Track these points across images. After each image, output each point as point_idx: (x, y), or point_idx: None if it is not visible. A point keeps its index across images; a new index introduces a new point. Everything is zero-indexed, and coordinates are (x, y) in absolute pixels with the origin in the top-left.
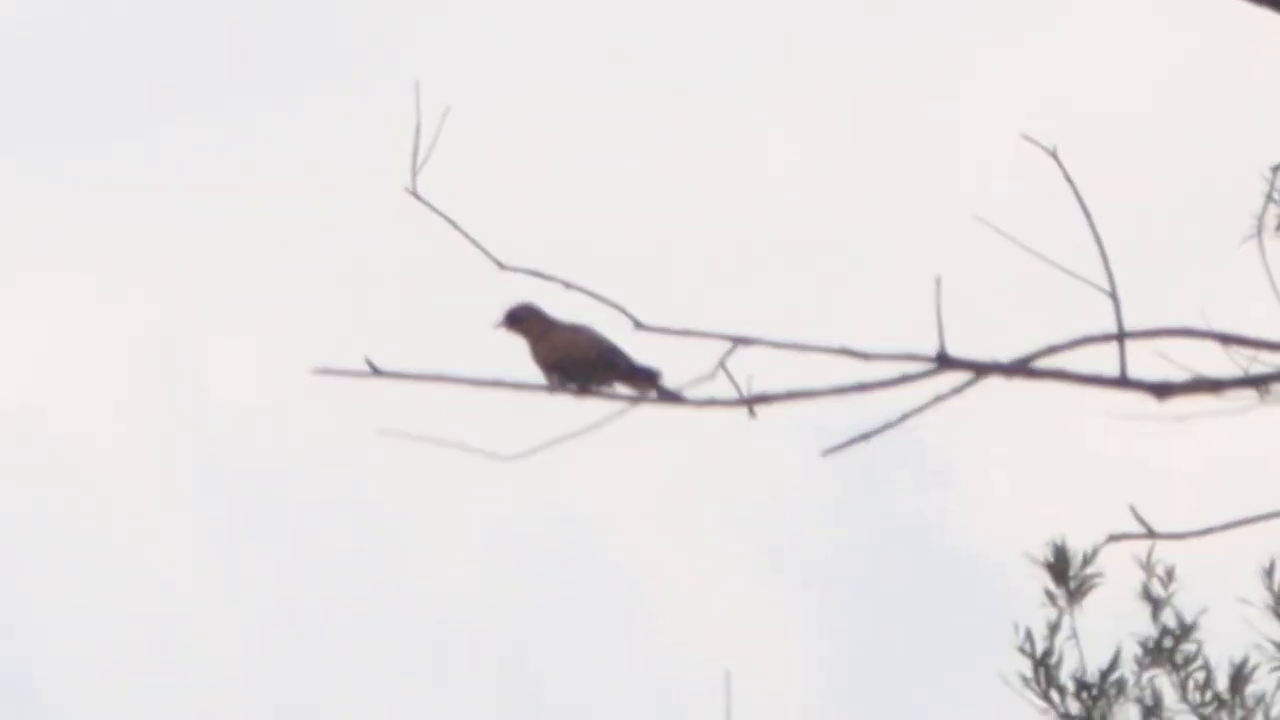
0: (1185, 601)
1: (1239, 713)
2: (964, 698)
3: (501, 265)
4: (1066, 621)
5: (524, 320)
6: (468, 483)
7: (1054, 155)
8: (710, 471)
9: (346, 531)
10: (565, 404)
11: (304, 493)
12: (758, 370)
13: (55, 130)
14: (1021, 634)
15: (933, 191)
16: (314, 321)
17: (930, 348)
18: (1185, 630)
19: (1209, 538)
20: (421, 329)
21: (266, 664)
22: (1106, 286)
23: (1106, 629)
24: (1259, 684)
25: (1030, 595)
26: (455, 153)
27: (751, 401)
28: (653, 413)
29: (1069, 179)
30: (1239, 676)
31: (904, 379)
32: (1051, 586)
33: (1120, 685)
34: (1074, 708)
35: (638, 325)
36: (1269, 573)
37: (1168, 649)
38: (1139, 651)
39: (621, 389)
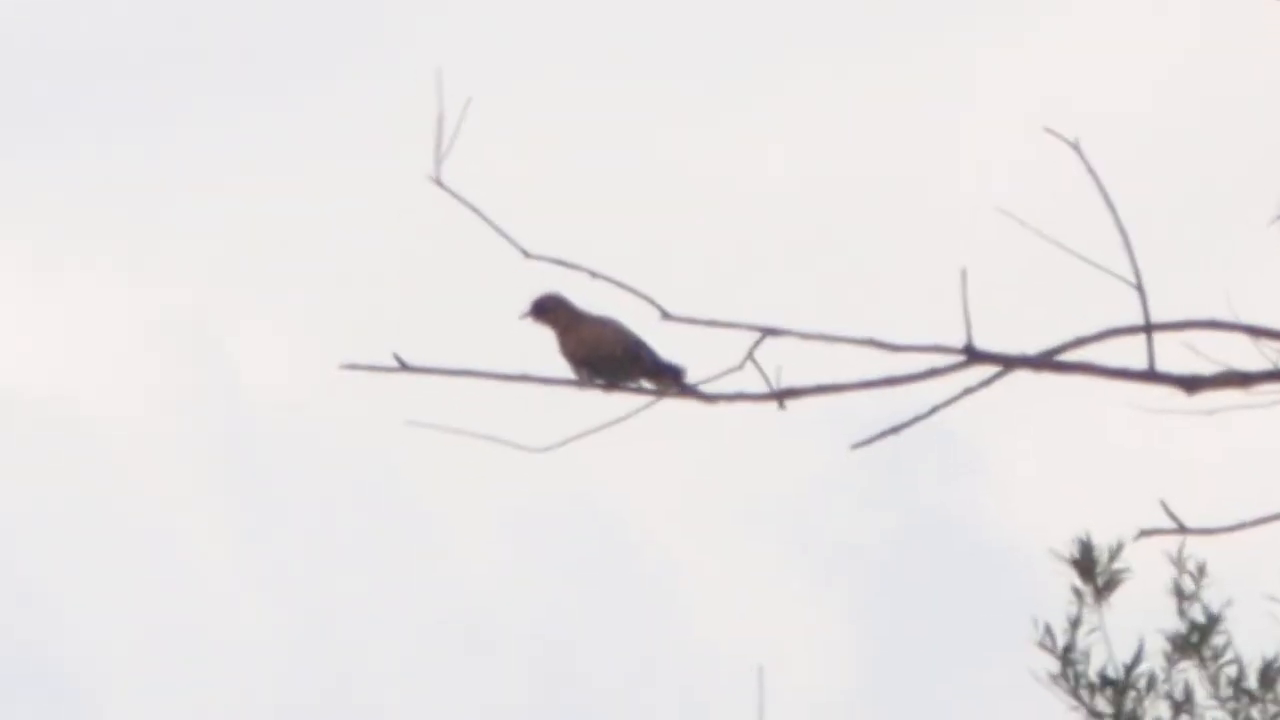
0: (1215, 597)
1: (1271, 709)
2: (992, 693)
3: (527, 254)
4: (1092, 617)
5: (551, 311)
6: (496, 475)
7: (1077, 148)
8: (738, 464)
9: (375, 523)
10: (593, 397)
11: (333, 484)
12: (786, 361)
13: (91, 119)
14: (1041, 629)
15: (959, 184)
16: (341, 310)
17: (958, 341)
18: (1211, 624)
19: (1239, 533)
20: (448, 317)
21: (295, 653)
22: (1133, 279)
23: (1137, 624)
24: None
25: (1060, 590)
26: (480, 142)
27: (780, 396)
28: (680, 405)
29: (1093, 172)
30: (1269, 671)
31: (932, 372)
32: (1078, 583)
33: (1151, 681)
34: (1102, 704)
35: (665, 315)
36: None
37: (1195, 644)
38: (1168, 647)
39: (648, 384)
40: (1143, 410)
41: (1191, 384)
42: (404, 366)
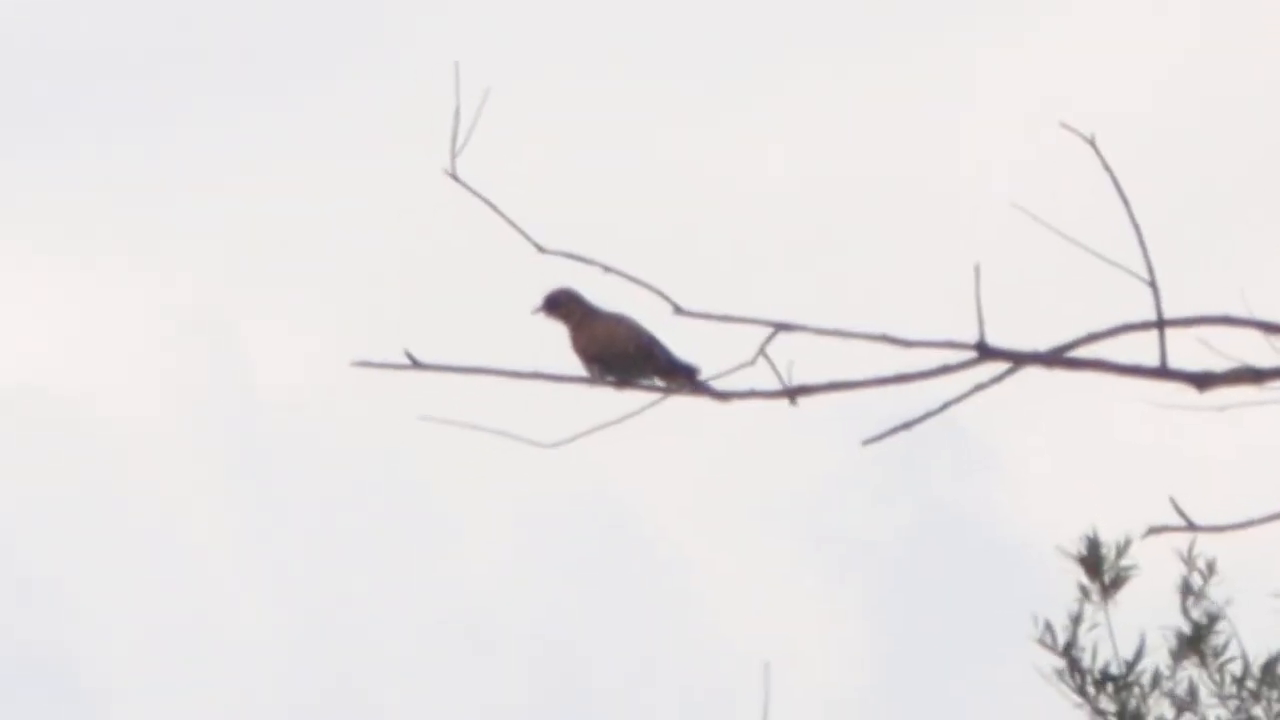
0: (1222, 594)
1: (1275, 707)
2: (999, 689)
3: (541, 249)
4: (1096, 614)
5: (563, 306)
6: (507, 472)
7: (1092, 143)
8: (750, 460)
9: (386, 520)
10: (605, 394)
11: (344, 481)
12: (798, 356)
13: (102, 117)
14: (1042, 626)
15: (972, 179)
16: (354, 306)
17: (970, 337)
18: (1211, 622)
19: (1249, 530)
20: (460, 311)
21: (304, 648)
22: (1145, 275)
23: (1146, 622)
24: None
25: (1069, 587)
26: (495, 136)
27: (792, 392)
28: (692, 402)
29: (1107, 167)
30: (1270, 669)
31: (944, 369)
32: (1085, 580)
33: (1155, 678)
34: (1105, 701)
35: (677, 310)
36: None
37: (1196, 642)
38: (1172, 644)
39: (661, 382)
40: (1154, 407)
41: (1203, 380)
42: (416, 364)
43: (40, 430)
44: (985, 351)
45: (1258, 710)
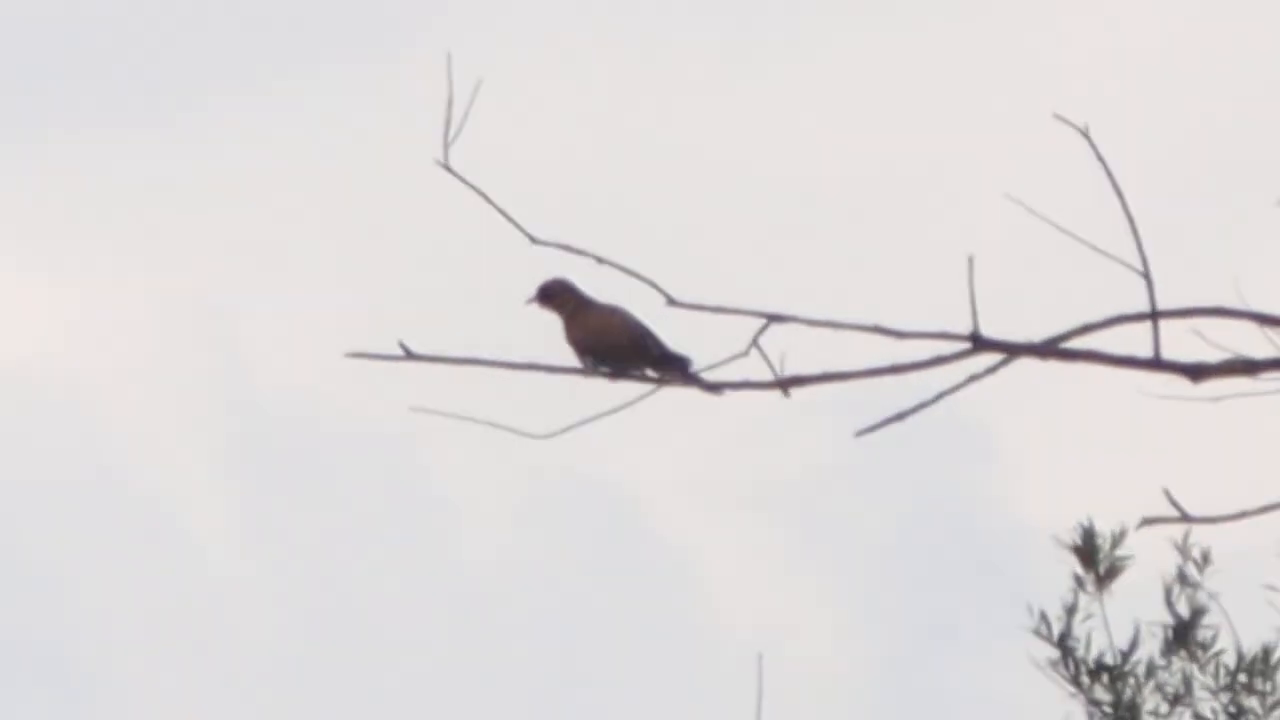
0: (1215, 586)
1: (1270, 699)
2: (994, 680)
3: (534, 239)
4: (1090, 604)
5: (557, 296)
6: (501, 462)
7: (1086, 134)
8: (743, 451)
9: (381, 510)
10: (598, 385)
11: (340, 472)
12: (791, 347)
13: (101, 110)
14: (1037, 616)
15: (966, 170)
16: (349, 295)
17: (964, 328)
18: (1197, 614)
19: (1243, 521)
20: (454, 302)
21: (302, 638)
22: (1139, 266)
23: (1141, 612)
24: None
25: (1062, 577)
26: (487, 126)
27: (785, 383)
28: (685, 393)
29: (1101, 158)
30: (1260, 661)
31: (938, 360)
32: (1080, 570)
33: (1150, 669)
34: (1100, 692)
35: (670, 301)
36: None
37: (1183, 634)
38: (1165, 636)
39: (654, 374)
40: (1148, 398)
41: (1197, 372)
42: (410, 355)
43: (37, 422)
44: (979, 342)
45: (1251, 702)
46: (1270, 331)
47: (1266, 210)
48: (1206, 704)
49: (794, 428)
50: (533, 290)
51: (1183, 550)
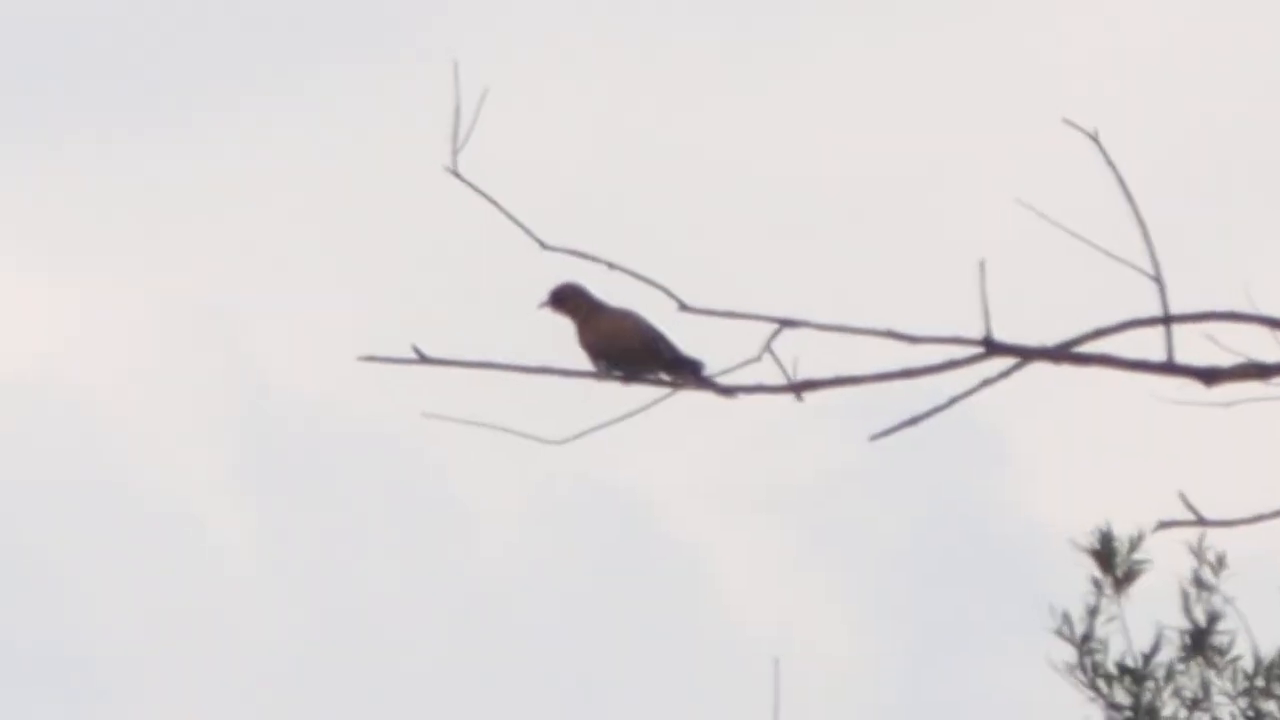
0: (1231, 589)
1: None
2: (1011, 683)
3: (544, 245)
4: (1110, 607)
5: (569, 300)
6: (514, 467)
7: (1095, 139)
8: (756, 456)
9: (394, 515)
10: (611, 389)
11: (353, 477)
12: (804, 352)
13: (112, 114)
14: (1059, 617)
15: (977, 174)
16: (360, 300)
17: (976, 332)
18: (1214, 619)
19: (1258, 525)
20: (466, 308)
21: (315, 643)
22: (1151, 270)
23: (1157, 615)
24: None
25: (1079, 581)
26: (496, 132)
27: (798, 387)
28: (698, 397)
29: (1111, 163)
30: (1278, 666)
31: (950, 364)
32: (1098, 573)
33: (1169, 672)
34: (1120, 695)
35: (683, 306)
36: None
37: (1201, 639)
38: (1183, 640)
39: (667, 377)
40: (1161, 402)
41: (1210, 376)
42: (423, 358)
43: (49, 427)
44: (992, 347)
45: (1269, 706)
46: None
47: (1278, 213)
48: (1225, 709)
49: (807, 432)
50: (544, 295)
51: (1198, 554)
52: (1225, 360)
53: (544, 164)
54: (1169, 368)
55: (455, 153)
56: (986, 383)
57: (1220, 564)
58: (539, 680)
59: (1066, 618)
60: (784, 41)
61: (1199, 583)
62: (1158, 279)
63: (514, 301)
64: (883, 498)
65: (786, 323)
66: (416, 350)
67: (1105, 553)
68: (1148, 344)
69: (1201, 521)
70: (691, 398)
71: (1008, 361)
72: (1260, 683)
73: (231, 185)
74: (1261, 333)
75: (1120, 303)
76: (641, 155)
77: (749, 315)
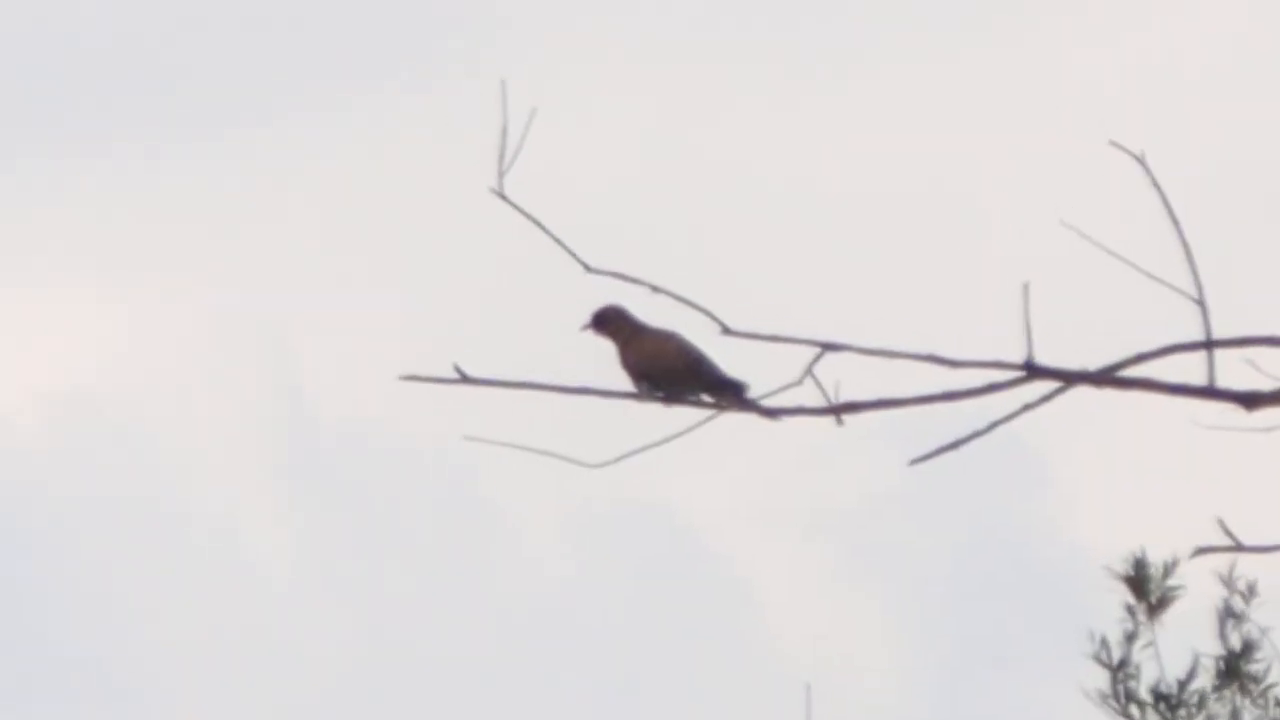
0: (1266, 617)
1: None
2: (1051, 708)
3: (588, 268)
4: (1145, 633)
5: (611, 323)
6: (556, 487)
7: (1142, 161)
8: (797, 478)
9: (435, 533)
10: (653, 410)
11: (395, 494)
12: (845, 375)
13: (161, 134)
14: (1097, 643)
15: (1022, 197)
16: (405, 322)
17: (1018, 356)
18: (1247, 648)
19: None
20: (508, 329)
21: (355, 660)
22: (1195, 294)
23: (1193, 641)
24: None
25: (1114, 607)
26: (542, 154)
27: (839, 410)
28: (740, 420)
29: (1157, 185)
30: None
31: (992, 387)
32: (1131, 600)
33: (1202, 699)
34: None
35: (725, 330)
36: None
37: (1239, 665)
38: (1217, 666)
39: (708, 398)
40: (1202, 426)
41: (1251, 400)
42: (464, 378)
43: (92, 440)
44: (1034, 370)
45: None
46: None
47: None
48: None
49: (848, 455)
50: (587, 317)
51: (1228, 583)
52: (1266, 385)
53: (589, 186)
54: (1210, 392)
55: (501, 174)
56: (1028, 407)
57: (1251, 592)
58: (576, 699)
59: (1105, 643)
60: (827, 65)
61: (1229, 611)
62: (1201, 302)
63: (558, 323)
64: (923, 521)
65: (829, 346)
66: (458, 370)
67: (1139, 579)
68: (1190, 367)
69: (1239, 547)
70: (732, 420)
71: (1049, 385)
72: None
73: (278, 204)
74: None
75: (1161, 326)
76: (685, 178)
77: (791, 339)
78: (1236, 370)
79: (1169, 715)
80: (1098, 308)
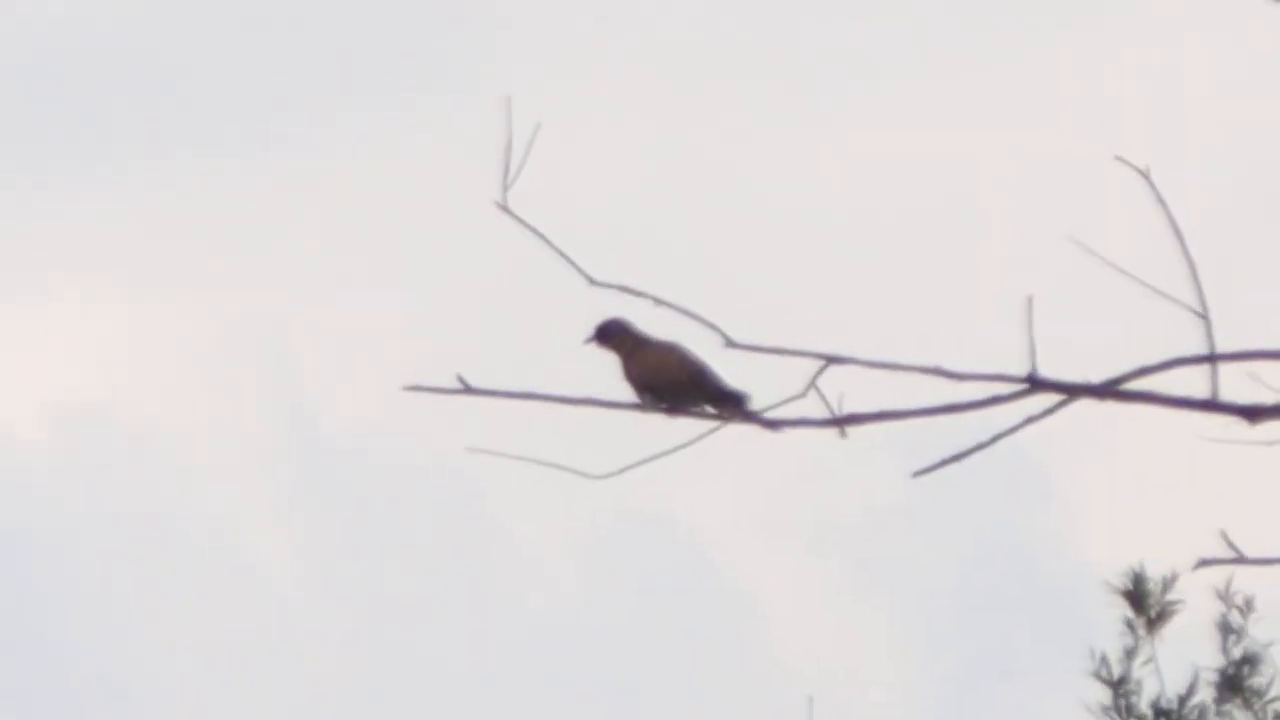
0: (1263, 632)
1: None
2: None
3: (592, 281)
4: (1145, 648)
5: (615, 336)
6: (559, 499)
7: (1146, 176)
8: (800, 491)
9: (438, 543)
10: (656, 422)
11: (399, 504)
12: (849, 387)
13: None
14: (1097, 659)
15: (1025, 211)
16: (409, 335)
17: (1021, 369)
18: (1246, 662)
19: None
20: (512, 343)
21: (360, 671)
22: (1198, 307)
23: (1193, 655)
24: None
25: (1116, 620)
26: (546, 167)
27: (842, 422)
28: (743, 432)
29: (1161, 200)
30: None
31: (995, 400)
32: (1130, 614)
33: (1201, 714)
34: None
35: (729, 342)
36: None
37: (1240, 680)
38: (1216, 681)
39: (711, 410)
40: (1205, 440)
41: (1254, 414)
42: (468, 389)
43: (97, 450)
44: (1036, 383)
45: None
46: None
47: None
48: None
49: (851, 467)
50: (590, 330)
51: (1225, 598)
52: (1269, 398)
53: (592, 199)
54: (1213, 405)
55: (506, 188)
56: (1031, 419)
57: (1249, 607)
58: (579, 710)
59: (1104, 660)
60: (829, 81)
61: (1226, 626)
62: (1204, 316)
63: (561, 336)
64: (926, 533)
65: (832, 359)
66: (461, 380)
67: (1138, 594)
68: (1192, 381)
69: (1242, 559)
70: (735, 432)
71: (1052, 398)
72: None
73: (282, 215)
74: None
75: (1164, 339)
76: (689, 190)
77: (795, 351)
78: (1239, 384)
79: None
80: (1101, 321)
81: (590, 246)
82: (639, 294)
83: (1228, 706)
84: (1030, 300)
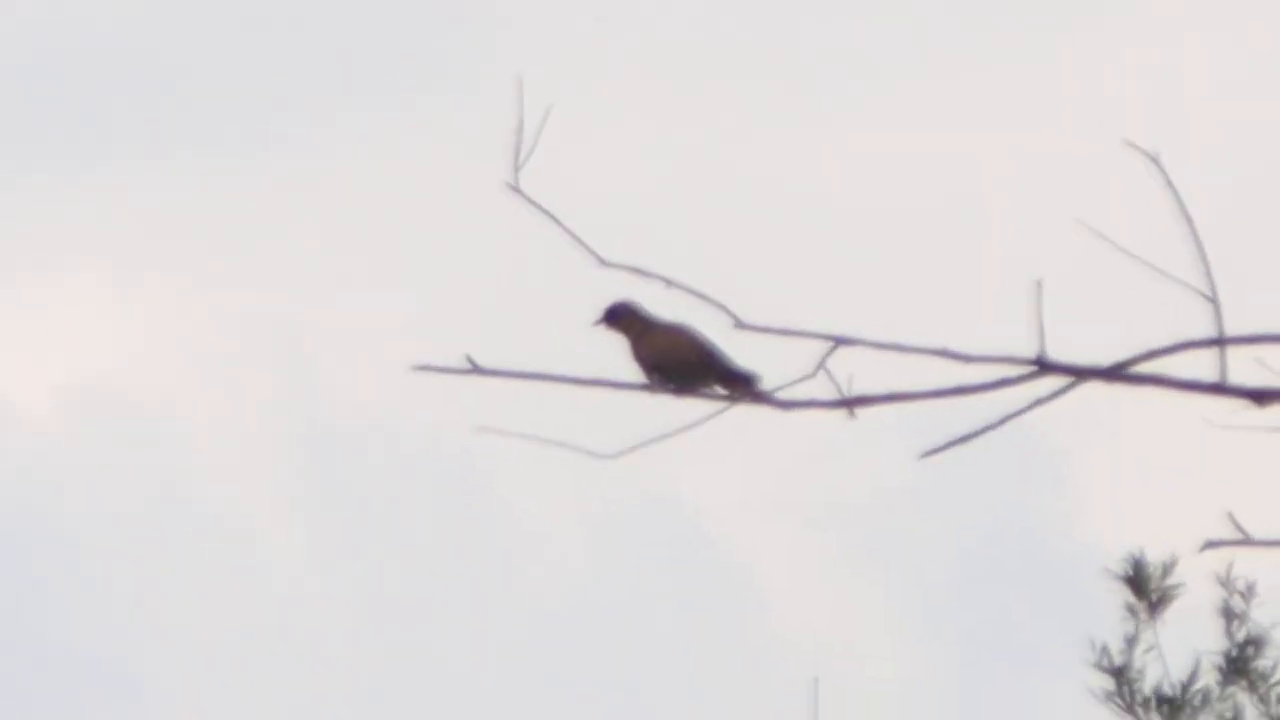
0: (1266, 616)
1: None
2: (1050, 709)
3: (603, 261)
4: (1146, 633)
5: (623, 318)
6: (568, 479)
7: (1155, 160)
8: (808, 471)
9: (448, 525)
10: (665, 403)
11: (408, 485)
12: (857, 370)
13: (177, 131)
14: (1098, 648)
15: (1034, 194)
16: (419, 316)
17: (1030, 351)
18: (1250, 644)
19: None
20: (522, 324)
21: (370, 654)
22: (1207, 291)
23: (1197, 639)
24: None
25: (1119, 604)
26: (557, 149)
27: (850, 403)
28: (752, 412)
29: (1171, 184)
30: None
31: (1003, 382)
32: (1132, 599)
33: (1205, 699)
34: None
35: (738, 324)
36: None
37: (1244, 664)
38: (1220, 665)
39: (720, 390)
40: (1212, 423)
41: (1262, 397)
42: (477, 369)
43: (108, 435)
44: (1045, 366)
45: None
46: None
47: None
48: None
49: (859, 448)
50: (599, 312)
51: (1226, 583)
52: (1277, 382)
53: (602, 182)
54: (1221, 389)
55: (517, 170)
56: (1039, 402)
57: (1250, 592)
58: (584, 688)
59: (1105, 650)
60: (839, 67)
61: (1228, 611)
62: (1213, 299)
63: (571, 318)
64: (933, 515)
65: (841, 340)
66: (470, 360)
67: (1138, 578)
68: (1201, 364)
69: (1249, 541)
70: (745, 413)
71: (1060, 381)
72: None
73: (291, 200)
74: None
75: (1173, 322)
76: (699, 173)
77: (803, 333)
78: (1248, 367)
79: (1172, 715)
80: (1109, 304)
81: (600, 228)
82: (649, 275)
83: (1232, 689)
84: (1039, 283)
